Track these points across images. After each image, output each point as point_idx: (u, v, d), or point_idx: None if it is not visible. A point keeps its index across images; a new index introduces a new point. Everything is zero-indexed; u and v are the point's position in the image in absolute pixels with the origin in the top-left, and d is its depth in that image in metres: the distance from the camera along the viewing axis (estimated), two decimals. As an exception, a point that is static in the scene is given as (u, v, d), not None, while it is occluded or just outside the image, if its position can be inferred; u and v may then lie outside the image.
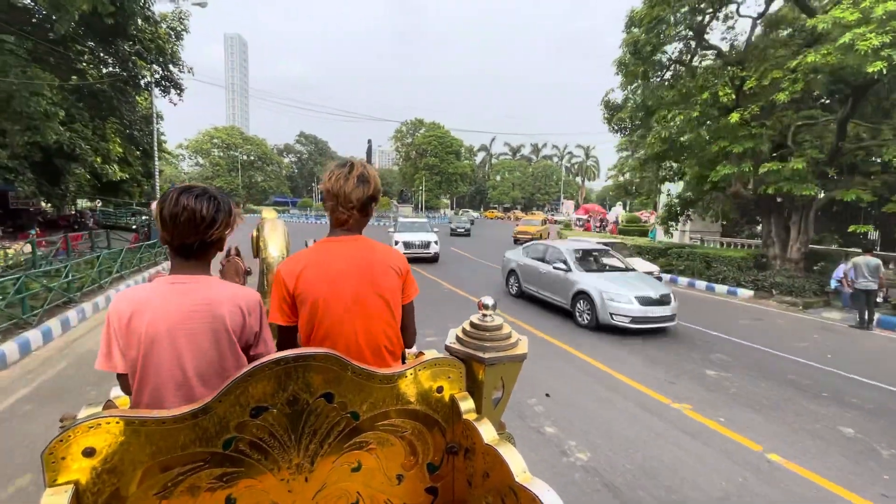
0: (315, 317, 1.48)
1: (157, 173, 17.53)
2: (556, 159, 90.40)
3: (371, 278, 1.52)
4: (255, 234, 2.89)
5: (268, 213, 3.07)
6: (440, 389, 1.49)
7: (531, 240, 26.16)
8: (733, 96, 10.69)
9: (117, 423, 1.07)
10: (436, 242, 15.98)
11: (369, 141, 53.64)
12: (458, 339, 1.62)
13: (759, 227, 18.19)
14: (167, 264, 4.38)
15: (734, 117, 10.49)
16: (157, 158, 17.44)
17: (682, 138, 11.65)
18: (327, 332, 1.48)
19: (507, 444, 1.33)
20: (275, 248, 2.69)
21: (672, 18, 11.62)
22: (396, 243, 15.26)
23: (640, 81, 13.36)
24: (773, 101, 9.98)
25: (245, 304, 1.36)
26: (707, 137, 11.47)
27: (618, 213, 29.01)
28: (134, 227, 19.50)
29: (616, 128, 16.80)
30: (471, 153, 62.16)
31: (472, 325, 1.62)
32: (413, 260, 13.99)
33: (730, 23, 12.38)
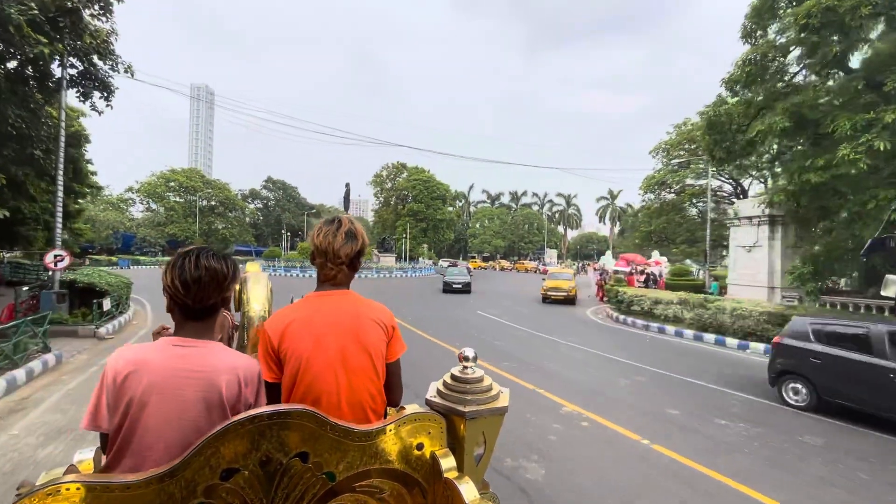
0: (297, 373, 1.43)
1: (59, 210, 11.69)
2: (535, 207, 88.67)
3: (356, 332, 1.49)
4: (237, 287, 2.65)
5: (252, 266, 3.03)
6: (420, 446, 1.41)
7: (566, 299, 21.48)
8: None
9: (78, 489, 1.00)
10: None
11: (347, 185, 48.88)
12: (439, 392, 1.54)
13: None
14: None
15: None
16: (60, 189, 11.68)
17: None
18: (308, 387, 1.43)
19: None
20: (257, 302, 2.63)
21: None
22: None
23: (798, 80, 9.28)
24: None
25: (244, 375, 1.31)
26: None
27: (663, 263, 25.12)
28: (30, 286, 13.32)
29: (726, 155, 12.53)
30: (456, 199, 58.42)
31: (453, 377, 1.55)
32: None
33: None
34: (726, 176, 27.55)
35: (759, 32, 10.38)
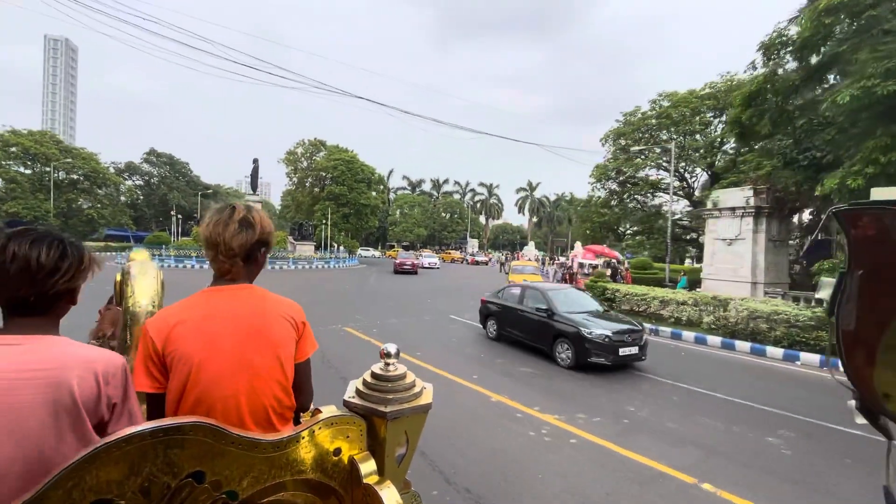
0: (187, 379, 1.22)
1: None
2: (457, 195, 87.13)
3: (260, 329, 1.31)
4: (118, 278, 2.34)
5: (138, 253, 2.59)
6: (338, 451, 1.29)
7: None
8: None
9: None
10: None
11: (255, 161, 42.10)
12: (358, 392, 1.43)
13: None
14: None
15: None
16: None
17: None
18: (200, 396, 1.23)
19: None
20: (144, 295, 2.10)
21: None
22: None
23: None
24: None
25: (102, 370, 1.09)
26: None
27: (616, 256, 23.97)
28: None
29: (771, 128, 10.64)
30: (382, 183, 53.83)
31: (374, 375, 1.45)
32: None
33: None
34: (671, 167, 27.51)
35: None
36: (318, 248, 43.40)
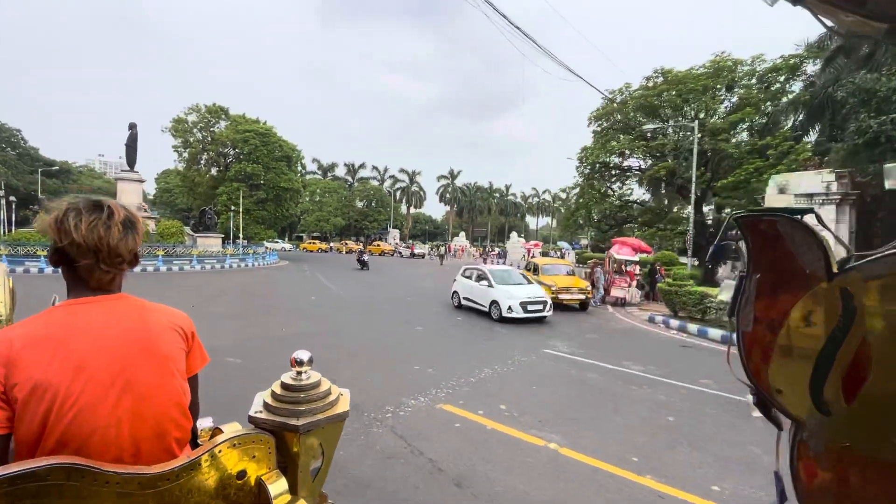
0: (48, 416, 0.97)
1: None
2: (374, 182, 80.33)
3: (146, 343, 1.10)
4: None
5: None
6: (242, 474, 1.11)
7: (582, 304, 15.16)
8: None
9: None
10: None
11: (132, 126, 32.06)
12: (266, 405, 1.25)
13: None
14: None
15: None
16: None
17: None
18: (67, 432, 0.98)
19: None
20: None
21: None
22: None
23: None
24: None
25: None
26: None
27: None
28: None
29: None
30: (301, 163, 45.25)
31: (284, 386, 1.27)
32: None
33: None
34: (641, 155, 25.75)
35: None
36: (227, 240, 34.64)
